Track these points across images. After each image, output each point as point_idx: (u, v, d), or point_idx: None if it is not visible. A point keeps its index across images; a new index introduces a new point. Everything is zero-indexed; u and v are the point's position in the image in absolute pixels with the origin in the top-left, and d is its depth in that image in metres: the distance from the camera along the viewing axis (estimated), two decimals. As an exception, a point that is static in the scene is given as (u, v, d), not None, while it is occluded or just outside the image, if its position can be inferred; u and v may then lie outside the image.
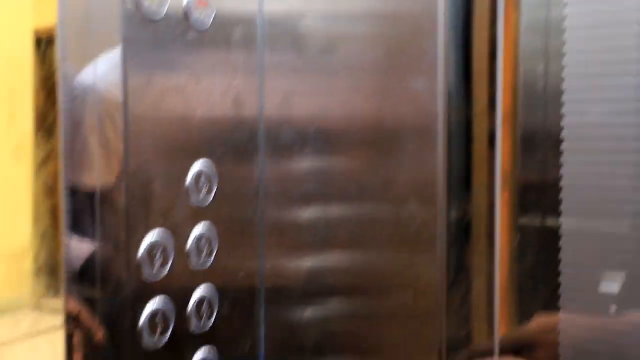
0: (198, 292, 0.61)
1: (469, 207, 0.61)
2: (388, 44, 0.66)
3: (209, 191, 0.61)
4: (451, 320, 0.60)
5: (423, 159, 0.60)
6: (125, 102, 0.54)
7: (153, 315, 0.57)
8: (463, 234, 0.61)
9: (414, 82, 0.65)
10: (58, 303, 0.55)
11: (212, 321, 0.63)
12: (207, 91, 0.61)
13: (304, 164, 0.69)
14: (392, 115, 0.66)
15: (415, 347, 0.62)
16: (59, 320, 0.53)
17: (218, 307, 0.63)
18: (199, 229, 0.61)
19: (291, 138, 0.68)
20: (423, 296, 0.59)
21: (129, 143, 0.55)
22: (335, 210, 0.68)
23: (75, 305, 0.54)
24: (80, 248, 0.55)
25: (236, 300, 0.66)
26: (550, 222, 0.59)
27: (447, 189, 0.59)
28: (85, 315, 0.54)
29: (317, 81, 0.69)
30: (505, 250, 0.60)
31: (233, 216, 0.64)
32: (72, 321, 0.53)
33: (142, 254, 0.56)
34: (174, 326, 0.59)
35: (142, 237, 0.56)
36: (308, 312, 0.71)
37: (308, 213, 0.69)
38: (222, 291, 0.63)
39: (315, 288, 0.71)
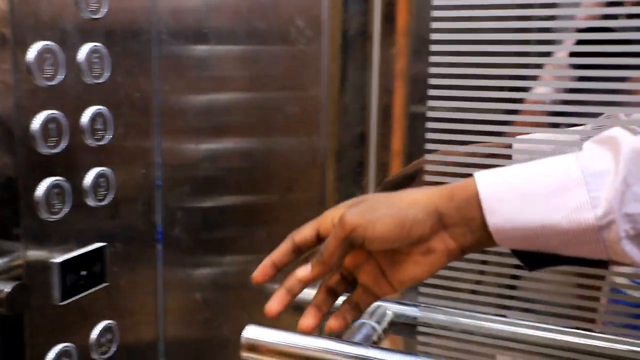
0: (92, 109, 0.63)
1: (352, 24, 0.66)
2: None
3: (97, 6, 0.62)
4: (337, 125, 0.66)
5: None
6: None
7: (46, 122, 0.58)
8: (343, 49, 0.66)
9: None
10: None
11: (107, 140, 0.65)
12: None
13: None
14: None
15: (303, 154, 0.68)
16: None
17: (113, 127, 0.65)
18: (89, 45, 0.61)
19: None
20: (309, 106, 0.64)
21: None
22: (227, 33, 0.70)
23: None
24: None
25: (131, 123, 0.68)
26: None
27: (331, 7, 0.63)
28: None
29: None
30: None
31: (126, 36, 0.65)
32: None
33: (32, 59, 0.56)
34: (69, 138, 0.60)
35: (31, 43, 0.56)
36: (203, 146, 0.74)
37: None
38: (117, 112, 0.65)
39: (210, 122, 0.74)
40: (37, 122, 0.57)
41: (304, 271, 0.57)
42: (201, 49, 0.72)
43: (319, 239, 0.57)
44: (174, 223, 0.73)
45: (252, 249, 0.76)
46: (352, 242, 0.54)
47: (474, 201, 0.51)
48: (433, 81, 0.63)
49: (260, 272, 0.57)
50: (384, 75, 0.67)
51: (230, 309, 0.75)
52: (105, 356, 0.68)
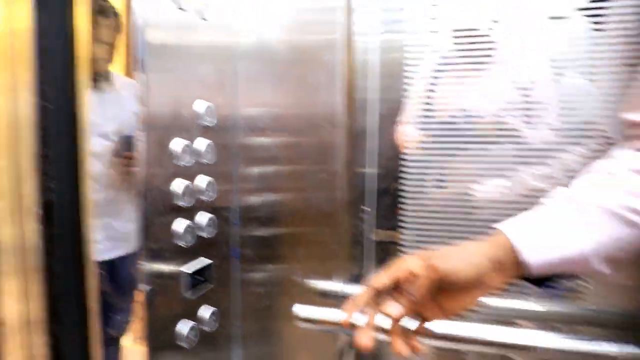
0: (206, 178, 1.06)
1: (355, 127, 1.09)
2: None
3: (211, 119, 1.06)
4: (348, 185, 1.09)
5: (329, 98, 1.08)
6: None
7: (183, 185, 1.01)
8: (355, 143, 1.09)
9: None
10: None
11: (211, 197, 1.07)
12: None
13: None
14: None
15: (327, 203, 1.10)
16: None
17: (214, 186, 1.08)
18: (205, 142, 1.05)
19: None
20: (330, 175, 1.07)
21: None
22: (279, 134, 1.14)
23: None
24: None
25: (223, 184, 1.11)
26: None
27: (348, 115, 1.06)
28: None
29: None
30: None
31: (223, 134, 1.09)
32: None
33: (175, 148, 0.99)
34: (193, 194, 1.03)
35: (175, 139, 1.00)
36: (263, 198, 1.17)
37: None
38: (218, 179, 1.08)
39: (265, 183, 1.17)
40: (180, 188, 1.00)
41: (395, 310, 0.69)
42: (262, 139, 1.15)
43: (396, 285, 0.70)
44: (246, 246, 1.16)
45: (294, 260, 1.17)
46: (441, 283, 0.69)
47: (510, 247, 0.70)
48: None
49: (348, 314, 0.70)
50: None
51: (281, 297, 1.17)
52: (209, 329, 1.09)
